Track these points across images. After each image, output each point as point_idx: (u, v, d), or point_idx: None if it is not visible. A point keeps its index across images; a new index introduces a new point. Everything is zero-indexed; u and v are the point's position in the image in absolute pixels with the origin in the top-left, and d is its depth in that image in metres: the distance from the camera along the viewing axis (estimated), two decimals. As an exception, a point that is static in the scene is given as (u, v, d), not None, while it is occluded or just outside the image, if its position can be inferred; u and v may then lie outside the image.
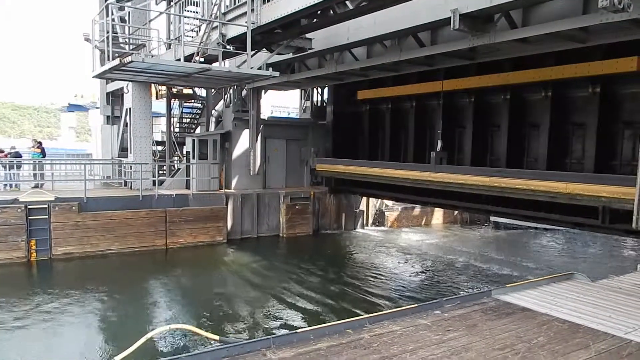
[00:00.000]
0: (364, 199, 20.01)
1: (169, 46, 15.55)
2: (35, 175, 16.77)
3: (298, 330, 4.71)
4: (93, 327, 9.02)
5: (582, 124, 11.55)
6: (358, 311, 9.54)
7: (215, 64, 11.77)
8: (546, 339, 4.69)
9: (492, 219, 20.77)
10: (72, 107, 45.61)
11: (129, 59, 10.20)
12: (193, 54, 11.75)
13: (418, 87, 14.99)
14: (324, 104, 20.18)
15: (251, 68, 11.12)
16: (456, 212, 22.74)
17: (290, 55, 12.81)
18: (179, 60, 11.55)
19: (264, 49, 11.99)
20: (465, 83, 13.40)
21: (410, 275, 13.35)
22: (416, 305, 5.50)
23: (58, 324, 9.00)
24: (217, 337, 4.31)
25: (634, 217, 6.15)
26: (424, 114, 15.98)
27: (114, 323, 9.18)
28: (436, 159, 13.09)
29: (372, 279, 12.87)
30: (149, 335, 4.15)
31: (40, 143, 17.79)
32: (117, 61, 10.52)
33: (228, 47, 11.33)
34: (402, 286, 12.35)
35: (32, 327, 8.79)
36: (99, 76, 13.41)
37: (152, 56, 15.39)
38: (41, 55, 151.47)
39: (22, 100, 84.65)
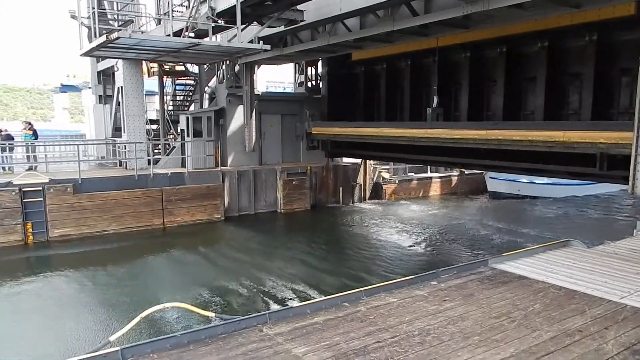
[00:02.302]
0: (361, 172, 19.94)
1: (158, 22, 15.20)
2: (28, 157, 16.61)
3: (294, 305, 4.71)
4: (92, 305, 9.06)
5: (579, 73, 11.38)
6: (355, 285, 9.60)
7: (207, 39, 11.51)
8: (542, 306, 4.71)
9: (490, 189, 20.83)
10: (65, 88, 44.93)
11: (115, 35, 9.94)
12: (183, 29, 11.47)
13: (413, 44, 14.38)
14: (319, 78, 19.87)
15: (241, 42, 10.87)
16: (453, 183, 22.79)
17: (282, 28, 12.54)
18: (169, 35, 11.29)
19: (255, 22, 11.71)
20: (460, 37, 12.97)
21: (410, 247, 13.40)
22: (413, 276, 5.50)
23: (57, 304, 9.07)
24: (212, 314, 4.29)
25: (630, 183, 6.11)
26: (420, 72, 15.62)
27: (110, 302, 9.21)
28: (432, 115, 12.92)
29: (372, 252, 12.94)
30: (143, 314, 4.13)
31: (31, 124, 17.52)
32: (103, 38, 10.26)
33: (218, 21, 11.06)
34: (403, 258, 12.42)
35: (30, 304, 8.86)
36: (86, 54, 13.13)
37: (142, 32, 15.08)
38: (32, 36, 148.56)
39: (14, 82, 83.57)
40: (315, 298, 7.74)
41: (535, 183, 20.45)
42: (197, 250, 12.86)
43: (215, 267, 11.60)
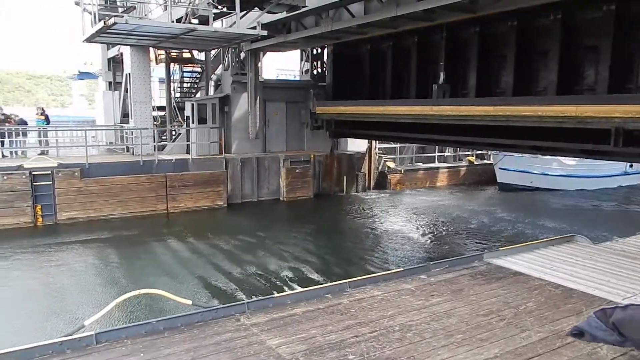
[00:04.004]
0: (366, 161, 19.62)
1: (165, 8, 15.08)
2: (40, 142, 16.88)
3: (274, 295, 4.57)
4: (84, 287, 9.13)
5: (595, 47, 10.55)
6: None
7: (207, 25, 11.36)
8: (536, 305, 4.46)
9: (499, 180, 20.34)
10: (82, 75, 45.61)
11: (112, 20, 9.89)
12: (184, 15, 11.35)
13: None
14: (324, 65, 19.53)
15: (238, 28, 10.71)
16: (461, 174, 22.32)
17: (285, 14, 12.28)
18: (174, 22, 11.20)
19: (256, 8, 11.51)
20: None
21: (411, 238, 13.16)
22: (402, 269, 5.31)
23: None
24: (189, 302, 4.20)
25: None
26: (427, 49, 14.76)
27: (103, 283, 9.27)
28: (439, 92, 12.46)
29: (372, 242, 12.77)
30: (118, 299, 4.06)
31: (43, 110, 17.83)
32: (101, 24, 10.21)
33: (218, 7, 10.89)
34: (402, 248, 12.19)
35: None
36: (88, 40, 13.11)
37: (149, 19, 15.00)
38: (53, 23, 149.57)
39: (35, 69, 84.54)
40: (300, 287, 7.62)
41: (548, 175, 19.88)
42: (199, 236, 12.81)
43: (217, 252, 11.52)
